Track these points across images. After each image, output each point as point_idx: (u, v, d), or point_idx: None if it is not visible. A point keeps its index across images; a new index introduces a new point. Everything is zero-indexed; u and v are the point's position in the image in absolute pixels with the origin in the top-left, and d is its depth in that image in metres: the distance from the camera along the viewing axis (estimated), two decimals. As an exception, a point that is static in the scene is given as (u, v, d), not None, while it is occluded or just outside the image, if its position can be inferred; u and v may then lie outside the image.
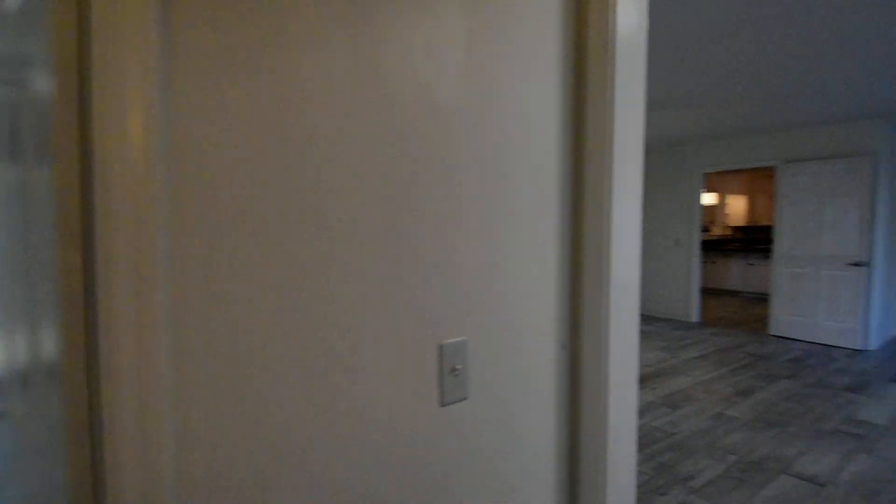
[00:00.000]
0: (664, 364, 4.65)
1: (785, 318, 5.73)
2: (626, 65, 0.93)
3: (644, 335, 5.84)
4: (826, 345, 5.35)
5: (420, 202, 0.77)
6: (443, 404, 0.83)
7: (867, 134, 5.09)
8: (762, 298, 8.78)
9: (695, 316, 6.64)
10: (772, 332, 5.84)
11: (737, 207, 10.32)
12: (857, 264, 5.12)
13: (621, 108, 0.93)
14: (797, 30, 2.67)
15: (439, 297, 0.81)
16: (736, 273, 9.35)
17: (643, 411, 3.46)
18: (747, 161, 6.09)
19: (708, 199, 9.79)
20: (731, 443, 3.00)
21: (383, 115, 0.73)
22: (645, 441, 3.01)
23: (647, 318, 6.81)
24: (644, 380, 4.15)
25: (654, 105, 4.30)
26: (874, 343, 5.20)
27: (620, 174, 0.94)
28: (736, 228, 10.58)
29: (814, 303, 5.47)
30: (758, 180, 10.03)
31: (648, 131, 5.56)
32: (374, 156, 0.72)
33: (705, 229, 9.86)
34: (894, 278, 5.63)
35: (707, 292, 9.47)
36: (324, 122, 0.67)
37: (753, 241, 10.12)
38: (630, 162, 0.96)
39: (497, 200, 0.87)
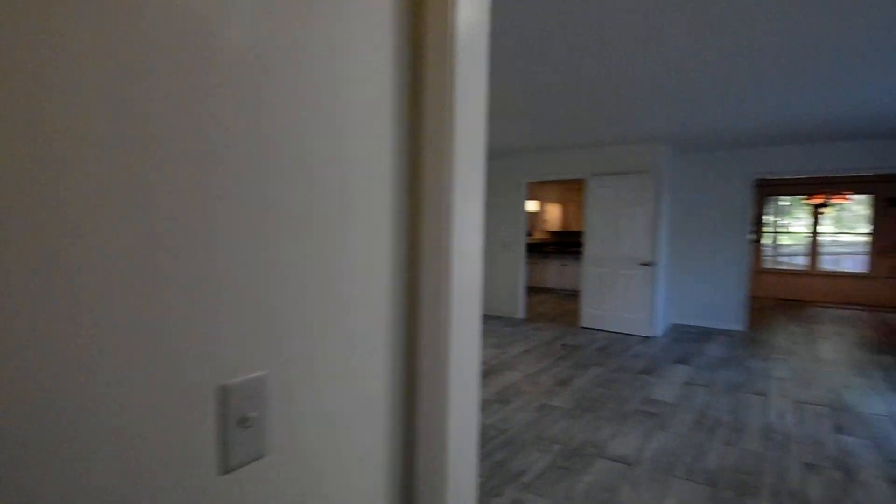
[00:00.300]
0: (496, 360, 4.85)
1: (592, 312, 6.49)
2: (467, 53, 0.79)
3: (478, 334, 6.07)
4: (624, 333, 6.19)
5: (199, 186, 0.50)
6: (225, 471, 0.57)
7: (655, 154, 6.03)
8: (574, 294, 9.92)
9: (521, 312, 7.15)
10: (583, 325, 6.57)
11: (553, 214, 11.54)
12: (646, 264, 6.02)
13: (462, 100, 0.78)
14: (603, 56, 2.94)
15: (224, 316, 0.55)
16: (553, 272, 10.43)
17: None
18: (564, 173, 6.77)
19: (531, 206, 10.73)
20: (555, 433, 3.18)
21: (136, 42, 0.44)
22: (480, 441, 3.03)
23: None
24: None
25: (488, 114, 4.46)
26: (659, 330, 6.17)
27: (462, 176, 0.79)
28: (552, 233, 11.82)
29: (614, 297, 6.29)
30: (570, 191, 11.34)
31: (482, 138, 5.79)
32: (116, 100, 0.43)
33: (528, 234, 10.82)
34: (673, 275, 6.78)
35: (530, 290, 10.37)
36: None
37: (567, 244, 11.41)
38: (472, 163, 0.82)
39: (317, 196, 0.64)
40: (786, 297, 9.95)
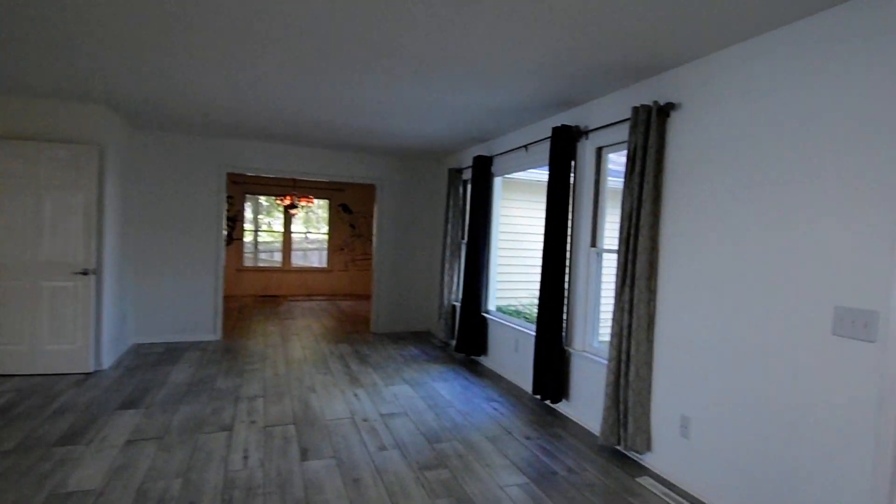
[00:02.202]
0: None
1: (-3, 350, 4.17)
2: None
3: None
4: (51, 374, 4.25)
5: None
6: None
7: (95, 120, 4.36)
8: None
9: None
10: (-23, 374, 4.13)
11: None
12: (85, 272, 4.31)
13: None
14: None
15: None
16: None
17: None
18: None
19: None
20: None
21: None
22: None
23: None
24: None
25: None
26: (107, 361, 4.57)
27: None
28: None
29: (33, 324, 4.23)
30: None
31: None
32: None
33: None
34: (127, 285, 5.27)
35: None
36: None
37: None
38: None
39: None
40: (265, 294, 10.24)
